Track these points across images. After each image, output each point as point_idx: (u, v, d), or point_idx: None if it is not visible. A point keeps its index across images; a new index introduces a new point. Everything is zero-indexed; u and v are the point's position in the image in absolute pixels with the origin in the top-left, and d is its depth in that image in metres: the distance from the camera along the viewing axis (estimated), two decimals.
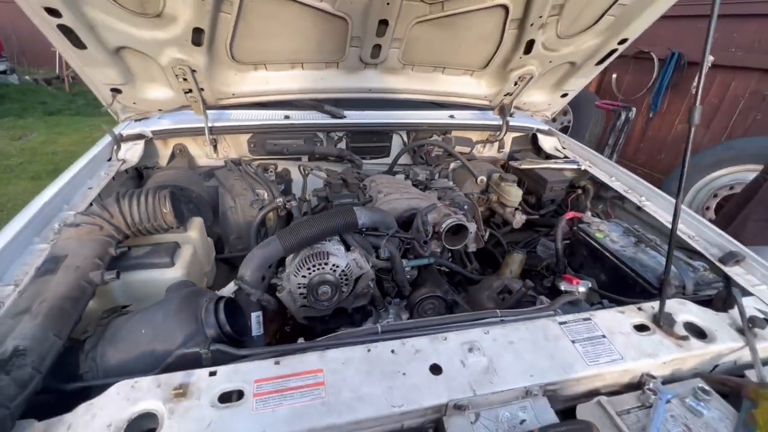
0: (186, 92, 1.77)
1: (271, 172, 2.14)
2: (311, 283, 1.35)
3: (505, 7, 1.66)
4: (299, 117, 2.11)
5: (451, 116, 2.33)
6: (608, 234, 1.64)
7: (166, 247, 1.36)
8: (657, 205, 1.80)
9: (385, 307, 1.58)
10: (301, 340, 1.09)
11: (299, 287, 1.36)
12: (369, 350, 0.98)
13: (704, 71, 0.88)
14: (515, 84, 2.11)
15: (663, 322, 1.11)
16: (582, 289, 1.23)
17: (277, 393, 0.87)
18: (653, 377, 1.02)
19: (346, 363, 0.95)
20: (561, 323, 1.10)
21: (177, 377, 0.88)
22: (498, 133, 2.33)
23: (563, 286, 1.25)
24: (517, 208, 2.06)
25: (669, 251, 1.07)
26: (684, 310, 1.18)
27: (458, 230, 1.64)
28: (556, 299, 1.23)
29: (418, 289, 1.52)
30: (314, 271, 1.36)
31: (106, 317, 1.08)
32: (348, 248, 1.44)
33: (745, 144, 3.82)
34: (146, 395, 0.85)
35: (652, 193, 1.86)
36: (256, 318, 1.30)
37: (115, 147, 1.80)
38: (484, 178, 2.15)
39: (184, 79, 1.69)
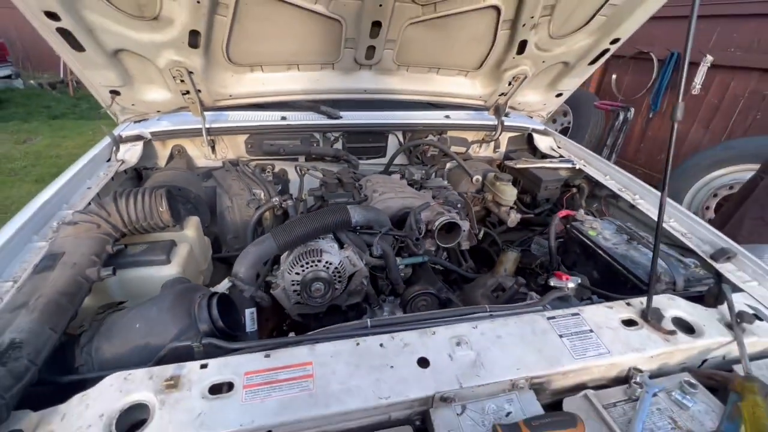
0: (183, 94, 1.80)
1: (268, 172, 2.17)
2: (304, 280, 1.37)
3: (497, 9, 1.68)
4: (296, 118, 2.14)
5: (447, 116, 2.35)
6: (601, 232, 1.65)
7: (163, 245, 1.38)
8: (650, 203, 1.82)
9: (380, 305, 1.60)
10: (292, 334, 1.10)
11: (293, 284, 1.38)
12: (358, 344, 1.00)
13: (685, 69, 0.90)
14: (509, 84, 2.13)
15: (651, 317, 1.12)
16: (571, 285, 1.24)
17: (266, 385, 0.89)
18: (640, 371, 1.03)
19: (335, 356, 0.97)
20: (549, 318, 1.11)
21: (169, 369, 0.90)
22: (493, 133, 2.35)
23: (553, 282, 1.26)
24: (512, 207, 2.08)
25: (655, 246, 1.09)
26: (673, 306, 1.19)
27: (451, 228, 1.66)
28: (546, 295, 1.24)
29: (411, 287, 1.54)
30: (307, 268, 1.38)
31: (101, 313, 1.11)
32: (342, 246, 1.46)
33: (745, 144, 3.81)
34: (138, 387, 0.86)
35: (645, 191, 1.87)
36: (250, 314, 1.32)
37: (114, 148, 1.83)
38: (480, 178, 2.17)
39: (182, 81, 1.72)
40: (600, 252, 1.55)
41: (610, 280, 1.50)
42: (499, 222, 2.18)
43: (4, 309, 0.98)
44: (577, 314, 1.13)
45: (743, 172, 3.63)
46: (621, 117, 4.67)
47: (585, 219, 1.73)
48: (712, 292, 1.39)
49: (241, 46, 1.70)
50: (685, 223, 1.64)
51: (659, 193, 1.80)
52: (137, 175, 2.04)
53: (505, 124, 2.34)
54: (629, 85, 5.53)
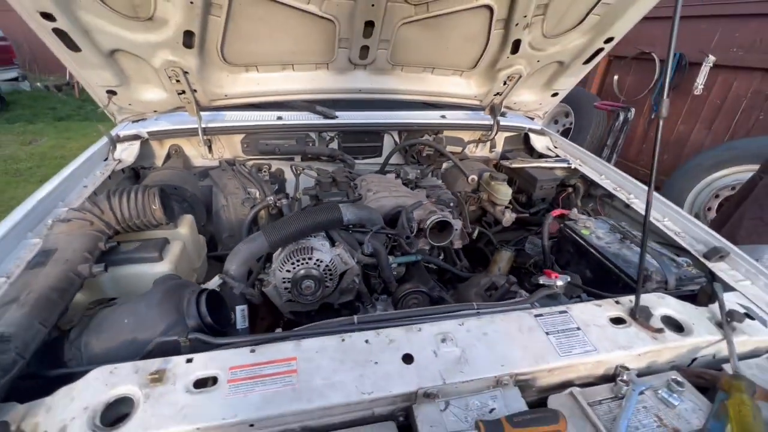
0: (179, 93, 1.82)
1: (264, 172, 2.18)
2: (295, 277, 1.38)
3: (490, 8, 1.68)
4: (292, 117, 2.15)
5: (443, 116, 2.35)
6: (594, 231, 1.64)
7: (155, 242, 1.39)
8: (645, 202, 1.80)
9: (372, 303, 1.60)
10: (279, 330, 1.11)
11: (284, 282, 1.39)
12: (343, 340, 1.01)
13: (669, 66, 0.89)
14: (504, 84, 2.13)
15: (639, 315, 1.12)
16: (560, 283, 1.24)
17: (250, 379, 0.89)
18: (627, 369, 1.02)
19: (320, 351, 0.97)
20: (537, 316, 1.11)
21: (155, 363, 0.91)
22: (489, 133, 2.35)
23: (542, 280, 1.26)
24: (507, 207, 2.07)
25: (642, 244, 1.08)
26: (662, 304, 1.19)
27: (444, 227, 1.66)
28: (534, 293, 1.24)
29: (402, 285, 1.54)
30: (298, 265, 1.38)
31: (92, 308, 1.12)
32: (333, 244, 1.47)
33: (748, 144, 3.77)
34: (124, 380, 0.87)
35: (640, 190, 1.86)
36: (241, 311, 1.33)
37: (111, 147, 1.85)
38: (475, 177, 2.16)
39: (177, 81, 1.74)
40: (592, 251, 1.55)
41: (603, 279, 1.49)
42: (494, 222, 2.18)
43: None
44: (565, 312, 1.13)
45: (745, 173, 3.59)
46: (621, 117, 4.65)
47: (578, 218, 1.73)
48: (705, 291, 1.39)
49: (235, 46, 1.72)
50: (679, 222, 1.64)
51: (655, 193, 1.80)
52: (135, 175, 2.06)
53: (501, 123, 2.35)
54: (631, 86, 5.50)
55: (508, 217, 2.00)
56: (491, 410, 0.92)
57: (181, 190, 1.81)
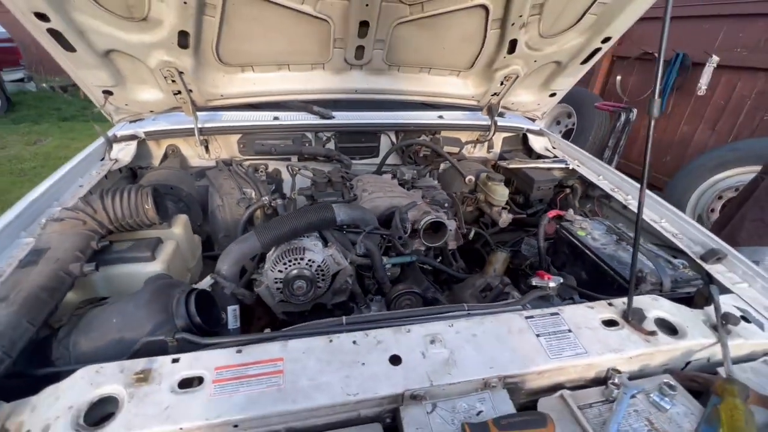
0: (175, 94, 1.83)
1: (261, 172, 2.18)
2: (287, 277, 1.37)
3: (485, 8, 1.67)
4: (288, 118, 2.15)
5: (440, 117, 2.34)
6: (590, 232, 1.63)
7: (148, 242, 1.40)
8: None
9: (367, 304, 1.59)
10: (267, 330, 1.11)
11: (276, 282, 1.39)
12: (331, 340, 1.00)
13: (660, 65, 0.88)
14: (501, 84, 2.11)
15: (632, 317, 1.10)
16: (552, 285, 1.22)
17: (235, 380, 0.89)
18: (618, 372, 1.01)
19: (306, 352, 0.97)
20: (527, 317, 1.10)
21: (140, 363, 0.91)
22: (487, 133, 2.34)
23: (534, 282, 1.25)
24: (504, 208, 2.06)
25: (635, 245, 1.07)
26: (656, 306, 1.17)
27: (438, 228, 1.65)
28: (526, 294, 1.23)
29: (395, 286, 1.53)
30: (290, 266, 1.38)
31: (82, 307, 1.12)
32: (327, 245, 1.47)
33: (752, 145, 3.73)
34: (109, 380, 0.87)
35: (638, 191, 1.84)
36: (232, 311, 1.33)
37: (108, 147, 1.86)
38: (473, 178, 2.15)
39: (173, 81, 1.74)
40: (587, 252, 1.53)
41: (598, 281, 1.48)
42: (492, 223, 2.17)
43: None
44: (557, 314, 1.12)
45: (749, 174, 3.54)
46: (623, 118, 4.61)
47: (575, 219, 1.71)
48: (702, 293, 1.37)
49: (230, 47, 1.72)
50: (676, 224, 1.62)
51: (651, 193, 1.79)
52: (132, 174, 2.07)
53: (499, 124, 2.33)
54: (634, 86, 5.46)
55: (505, 218, 1.99)
56: (479, 413, 0.91)
57: (177, 189, 1.82)
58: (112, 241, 1.38)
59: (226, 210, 1.85)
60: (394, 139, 2.37)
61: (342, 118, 2.20)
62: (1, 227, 1.26)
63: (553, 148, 2.39)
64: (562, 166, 2.15)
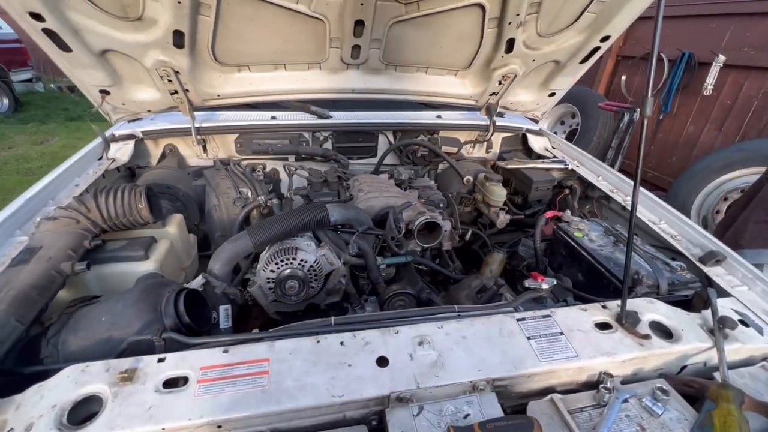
0: (172, 93, 1.83)
1: (259, 171, 2.18)
2: (279, 277, 1.37)
3: (482, 6, 1.66)
4: (285, 117, 2.15)
5: (439, 116, 2.33)
6: (587, 233, 1.61)
7: (141, 241, 1.40)
8: (642, 204, 1.76)
9: (361, 305, 1.58)
10: (255, 330, 1.10)
11: (268, 282, 1.38)
12: (318, 341, 0.99)
13: (653, 64, 0.87)
14: (500, 83, 2.09)
15: (626, 320, 1.08)
16: (545, 286, 1.21)
17: (221, 380, 0.89)
18: (611, 376, 0.99)
19: (293, 353, 0.96)
20: (519, 320, 1.08)
21: (126, 362, 0.91)
22: (486, 133, 2.32)
23: (528, 283, 1.23)
24: (502, 208, 2.04)
25: (628, 247, 1.05)
26: (651, 309, 1.15)
27: (433, 228, 1.64)
28: (519, 296, 1.21)
29: (389, 286, 1.52)
30: (282, 266, 1.37)
31: (72, 306, 1.12)
32: (320, 245, 1.46)
33: (759, 145, 3.66)
34: (94, 379, 0.87)
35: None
36: (224, 311, 1.32)
37: (105, 146, 1.87)
38: (471, 178, 2.14)
39: (169, 81, 1.75)
40: (584, 254, 1.51)
41: (594, 283, 1.46)
42: (490, 223, 2.15)
43: None
44: (549, 316, 1.10)
45: (756, 175, 3.48)
46: (626, 118, 4.56)
47: (572, 220, 1.69)
48: (701, 296, 1.35)
49: (226, 46, 1.72)
50: (675, 225, 1.59)
51: (650, 194, 1.76)
52: (130, 174, 2.08)
53: (498, 124, 2.31)
54: (639, 86, 5.40)
55: (503, 219, 1.97)
56: (466, 416, 0.89)
57: (174, 189, 1.82)
58: (106, 240, 1.38)
59: (223, 209, 1.85)
60: (392, 139, 2.36)
61: (339, 117, 2.20)
62: None
63: (553, 148, 2.37)
64: (561, 166, 2.12)
